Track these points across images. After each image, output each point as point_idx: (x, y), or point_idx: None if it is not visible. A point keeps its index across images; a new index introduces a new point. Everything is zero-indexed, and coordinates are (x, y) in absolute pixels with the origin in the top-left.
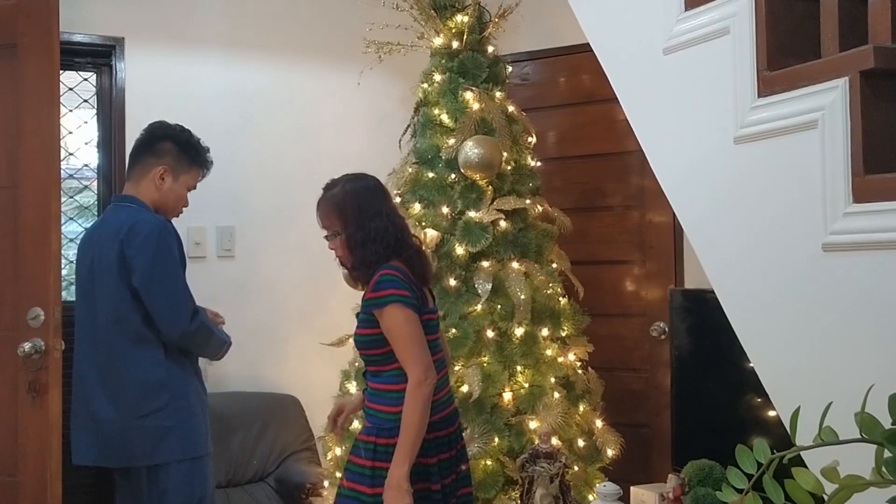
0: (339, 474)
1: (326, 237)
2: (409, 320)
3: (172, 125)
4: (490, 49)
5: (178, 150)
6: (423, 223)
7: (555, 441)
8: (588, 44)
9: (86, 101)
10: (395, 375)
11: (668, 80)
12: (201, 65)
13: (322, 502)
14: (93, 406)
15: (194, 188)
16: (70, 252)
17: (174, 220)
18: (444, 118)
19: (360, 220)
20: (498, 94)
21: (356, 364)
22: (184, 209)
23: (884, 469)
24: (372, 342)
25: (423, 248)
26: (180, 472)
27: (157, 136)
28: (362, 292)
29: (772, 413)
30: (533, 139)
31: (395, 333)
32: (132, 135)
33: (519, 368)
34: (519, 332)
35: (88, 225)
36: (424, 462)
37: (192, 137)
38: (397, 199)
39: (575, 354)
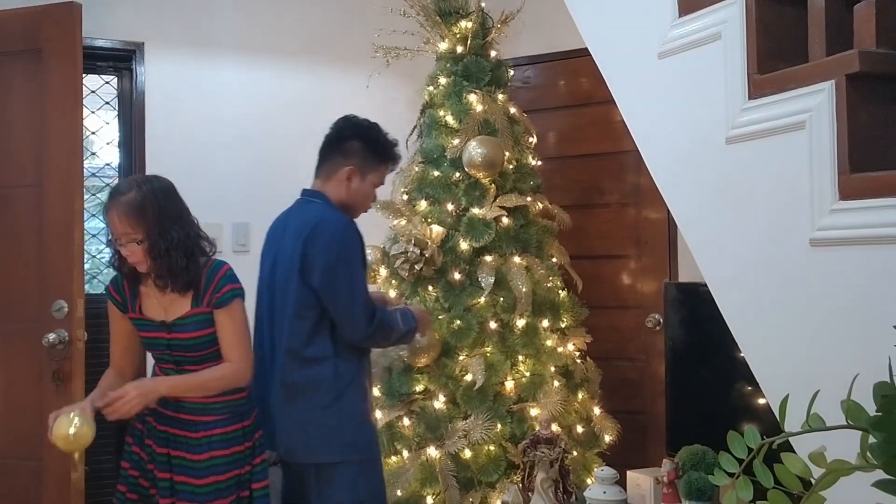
0: None
1: (118, 244)
2: (244, 314)
3: (360, 121)
4: (493, 53)
5: (366, 148)
6: (429, 219)
7: (555, 427)
8: (586, 49)
9: (107, 103)
10: None
11: (662, 83)
12: (218, 68)
13: None
14: (267, 394)
15: (382, 184)
16: (92, 247)
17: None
18: (449, 119)
19: (163, 226)
20: (500, 97)
21: None
22: (371, 204)
23: (868, 454)
24: (215, 340)
25: (430, 244)
26: (345, 474)
27: (345, 134)
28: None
29: (762, 401)
30: (534, 139)
31: (238, 326)
32: (152, 135)
33: (520, 358)
34: (520, 323)
35: None
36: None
37: (380, 135)
38: (404, 197)
39: (574, 345)
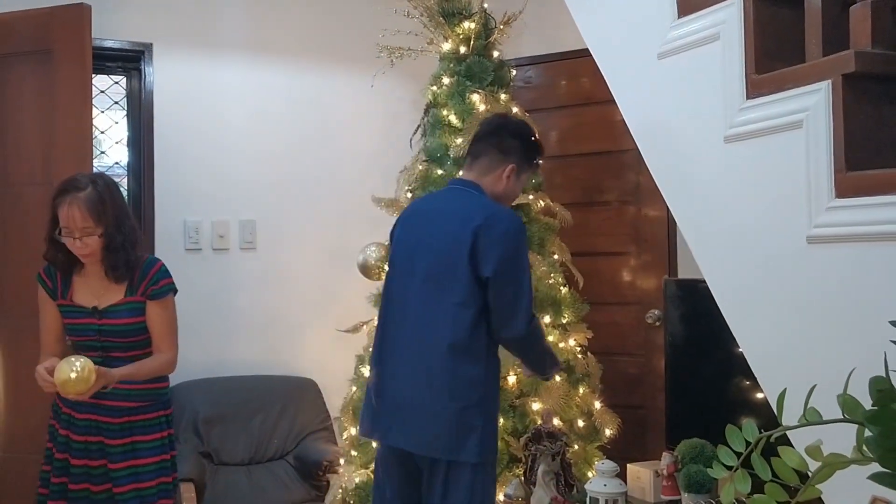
0: (354, 452)
1: (74, 236)
2: (175, 308)
3: (519, 121)
4: (495, 54)
5: (523, 148)
6: None
7: (556, 422)
8: (587, 49)
9: (116, 102)
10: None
11: (662, 83)
12: (225, 68)
13: (338, 479)
14: (397, 386)
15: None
16: None
17: None
18: (453, 119)
19: (119, 221)
20: (503, 97)
21: (370, 349)
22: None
23: (864, 447)
24: (143, 328)
25: None
26: (476, 475)
27: (507, 132)
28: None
29: (759, 395)
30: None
31: (171, 318)
32: (160, 133)
33: None
34: None
35: None
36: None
37: (536, 137)
38: (409, 195)
39: (575, 340)
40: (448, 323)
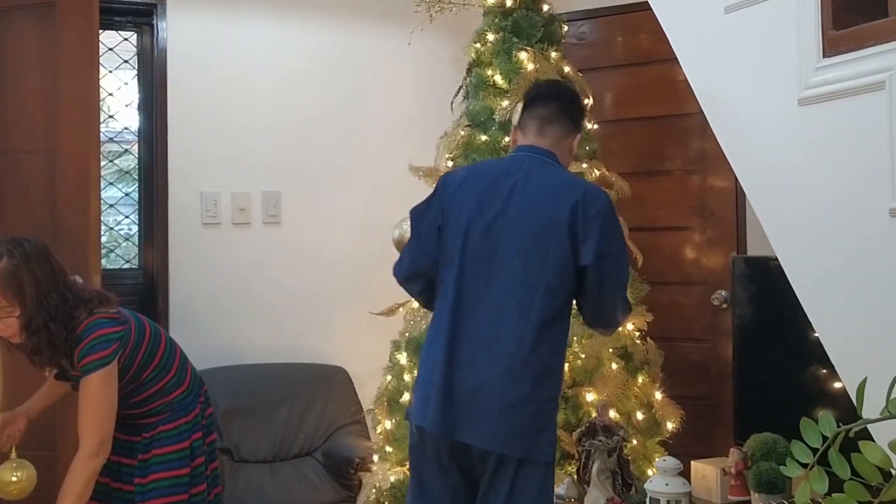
0: (389, 448)
1: None
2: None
3: (574, 87)
4: (545, 7)
5: (579, 119)
6: None
7: (612, 414)
8: (646, 2)
9: (126, 61)
10: None
11: (729, 40)
12: (246, 24)
13: (371, 477)
14: (472, 375)
15: None
16: (109, 218)
17: None
18: (498, 79)
19: (41, 297)
20: (553, 55)
21: (406, 334)
22: None
23: None
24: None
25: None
26: (547, 475)
27: (574, 101)
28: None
29: (837, 385)
30: (590, 101)
31: (91, 403)
32: (174, 96)
33: (574, 338)
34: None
35: (130, 190)
36: None
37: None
38: (449, 164)
39: (633, 324)
40: (536, 308)
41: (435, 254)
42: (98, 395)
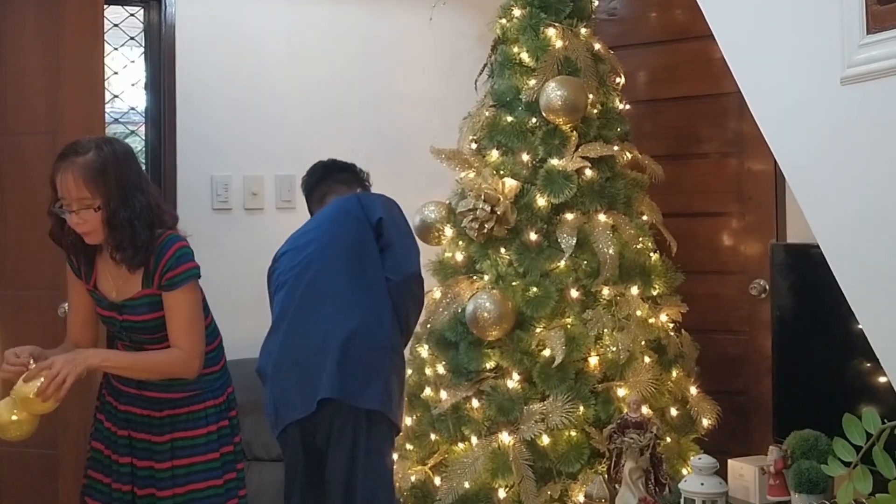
0: (409, 446)
1: (71, 209)
2: (197, 297)
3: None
4: None
5: None
6: (502, 171)
7: (645, 410)
8: None
9: (132, 38)
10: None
11: (768, 15)
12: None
13: None
14: None
15: None
16: None
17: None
18: (524, 57)
19: (126, 194)
20: (583, 31)
21: (428, 325)
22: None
23: None
24: (162, 324)
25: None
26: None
27: None
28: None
29: (882, 379)
30: (621, 80)
31: (190, 312)
32: (183, 75)
33: (605, 331)
34: (606, 291)
35: None
36: None
37: None
38: (473, 146)
39: (667, 315)
40: None
41: None
42: (194, 305)
